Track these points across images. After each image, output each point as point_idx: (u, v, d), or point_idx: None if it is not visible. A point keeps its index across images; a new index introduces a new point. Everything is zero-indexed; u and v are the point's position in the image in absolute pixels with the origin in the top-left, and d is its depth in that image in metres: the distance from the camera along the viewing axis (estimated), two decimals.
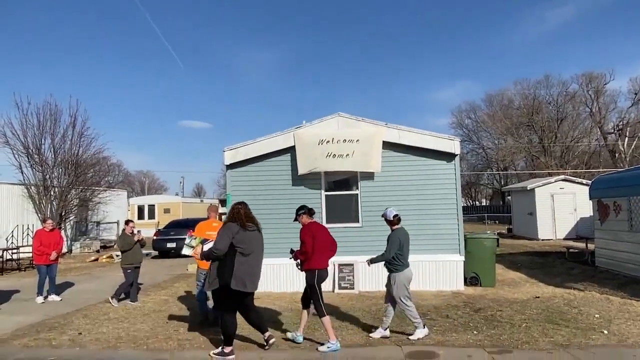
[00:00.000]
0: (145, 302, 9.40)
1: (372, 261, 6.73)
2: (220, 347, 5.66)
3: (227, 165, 10.54)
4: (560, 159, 42.86)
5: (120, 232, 9.69)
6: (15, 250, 16.07)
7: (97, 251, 22.73)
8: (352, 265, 10.11)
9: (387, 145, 10.15)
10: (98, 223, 25.24)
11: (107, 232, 25.80)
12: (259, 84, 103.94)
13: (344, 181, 10.55)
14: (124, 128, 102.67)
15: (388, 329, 6.63)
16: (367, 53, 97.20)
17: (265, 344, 5.83)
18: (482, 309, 8.19)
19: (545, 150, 43.58)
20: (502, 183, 52.00)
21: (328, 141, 10.14)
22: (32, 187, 20.04)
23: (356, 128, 10.24)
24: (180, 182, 67.62)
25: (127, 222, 9.88)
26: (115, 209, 26.13)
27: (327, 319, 6.14)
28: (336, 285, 10.05)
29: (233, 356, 5.60)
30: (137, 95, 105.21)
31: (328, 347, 5.95)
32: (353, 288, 10.02)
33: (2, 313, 8.65)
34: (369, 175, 10.29)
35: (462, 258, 10.02)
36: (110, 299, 9.22)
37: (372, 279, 10.14)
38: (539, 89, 46.29)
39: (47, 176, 20.27)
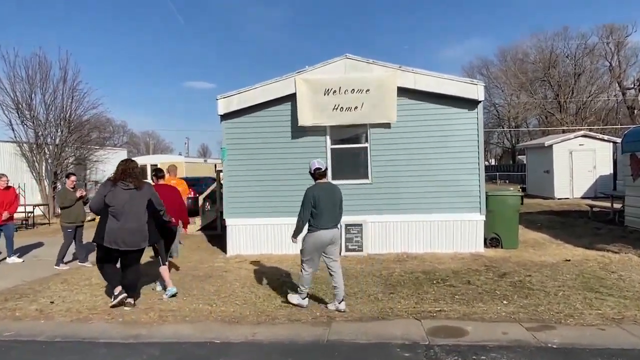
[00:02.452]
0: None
1: (294, 234, 5.71)
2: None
3: (221, 116, 9.44)
4: (575, 116, 41.16)
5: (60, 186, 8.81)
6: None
7: None
8: (360, 225, 9.17)
9: (401, 92, 8.96)
10: (96, 182, 24.41)
11: None
12: (263, 43, 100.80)
13: (353, 132, 9.44)
14: (130, 89, 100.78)
15: (341, 302, 5.63)
16: (373, 9, 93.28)
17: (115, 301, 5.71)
18: (507, 274, 7.26)
19: (560, 106, 41.80)
20: (514, 142, 50.45)
21: (335, 90, 8.96)
22: (25, 145, 19.10)
23: (366, 72, 9.02)
24: (185, 143, 66.82)
25: (68, 176, 8.92)
26: (114, 168, 25.25)
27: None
28: (343, 247, 9.14)
29: (123, 295, 5.71)
30: (142, 57, 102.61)
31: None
32: (361, 250, 9.12)
33: None
34: (380, 127, 9.16)
35: (483, 217, 9.03)
36: (55, 267, 8.46)
37: (382, 240, 9.22)
38: (557, 42, 44.04)
39: (40, 133, 19.27)
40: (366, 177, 9.29)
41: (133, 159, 6.16)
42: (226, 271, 7.97)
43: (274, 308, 5.73)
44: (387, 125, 9.12)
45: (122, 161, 5.88)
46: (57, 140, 19.60)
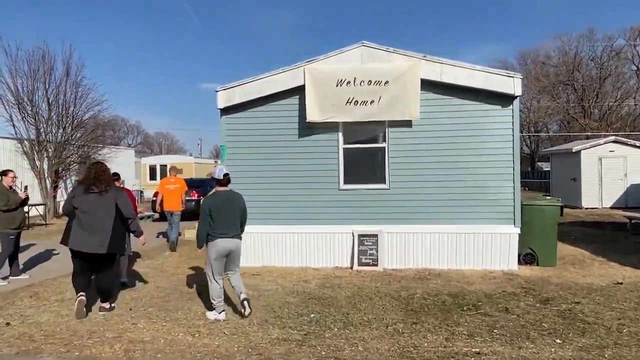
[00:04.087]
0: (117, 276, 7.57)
1: (197, 245, 5.47)
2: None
3: (220, 110, 8.42)
4: (600, 122, 39.41)
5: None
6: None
7: None
8: (375, 236, 8.05)
9: (425, 85, 7.84)
10: None
11: None
12: (277, 46, 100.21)
13: (368, 131, 8.34)
14: (144, 90, 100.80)
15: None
16: (388, 13, 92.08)
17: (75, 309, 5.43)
18: (551, 300, 6.09)
19: (584, 111, 40.09)
20: (533, 148, 48.74)
21: (349, 82, 7.88)
22: (26, 142, 18.35)
23: (386, 62, 7.92)
24: (198, 144, 66.35)
25: (5, 173, 7.51)
26: (120, 168, 24.49)
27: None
28: (355, 261, 8.04)
29: (80, 299, 5.44)
30: (157, 58, 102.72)
31: None
32: (376, 264, 7.99)
33: None
34: (400, 124, 8.05)
35: (518, 230, 7.84)
36: None
37: (400, 253, 8.10)
38: (582, 44, 42.35)
39: (42, 130, 18.50)
40: (383, 181, 8.17)
41: (101, 161, 6.31)
42: None
43: (269, 342, 4.65)
44: (408, 123, 8.01)
45: (90, 165, 5.92)
46: (59, 138, 18.82)
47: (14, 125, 18.17)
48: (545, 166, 39.05)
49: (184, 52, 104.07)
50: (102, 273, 5.63)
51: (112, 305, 5.81)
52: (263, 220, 8.33)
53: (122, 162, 24.00)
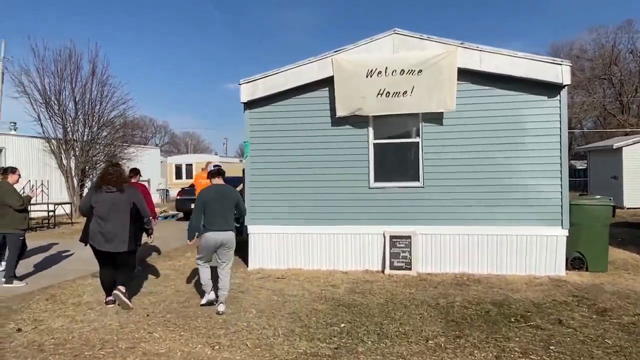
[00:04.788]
0: (139, 278, 7.25)
1: (188, 236, 5.67)
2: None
3: (244, 104, 8.01)
4: (639, 117, 37.52)
5: (0, 182, 7.02)
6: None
7: None
8: (408, 238, 7.50)
9: (462, 75, 7.25)
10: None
11: None
12: (300, 45, 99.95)
13: (401, 124, 7.78)
14: (172, 91, 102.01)
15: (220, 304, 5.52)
16: (407, 10, 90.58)
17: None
18: (609, 311, 5.44)
19: (623, 106, 38.25)
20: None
21: (380, 72, 7.35)
22: (53, 141, 18.44)
23: (419, 50, 7.36)
24: (224, 144, 66.82)
25: (13, 170, 7.11)
26: (146, 167, 24.53)
27: None
28: (387, 264, 7.51)
29: (109, 300, 5.70)
30: (183, 60, 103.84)
31: None
32: (410, 268, 7.44)
33: None
34: (436, 117, 7.48)
35: (565, 232, 7.16)
36: (4, 284, 6.79)
37: (435, 256, 7.52)
38: (620, 36, 40.38)
39: (68, 129, 18.57)
40: (416, 179, 7.61)
41: (117, 162, 6.54)
42: (243, 291, 6.50)
43: (295, 357, 4.18)
44: (443, 116, 7.42)
45: (105, 166, 6.02)
46: (86, 137, 18.85)
47: (41, 125, 18.26)
48: (579, 164, 37.40)
49: (210, 53, 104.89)
50: (121, 266, 5.81)
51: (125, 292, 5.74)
52: (288, 220, 7.89)
53: (147, 161, 24.04)
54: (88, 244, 5.65)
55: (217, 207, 5.44)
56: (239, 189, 14.44)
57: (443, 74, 7.21)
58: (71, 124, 18.65)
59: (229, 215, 5.54)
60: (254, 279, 7.24)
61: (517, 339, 4.57)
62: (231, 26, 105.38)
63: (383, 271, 7.56)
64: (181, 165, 35.42)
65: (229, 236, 5.53)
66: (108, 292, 5.80)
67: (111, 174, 5.65)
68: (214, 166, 5.76)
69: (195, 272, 7.73)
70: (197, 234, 5.59)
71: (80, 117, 18.83)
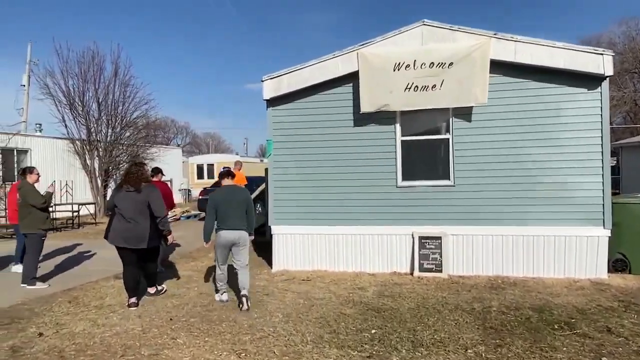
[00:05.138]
0: (159, 280, 7.11)
1: (204, 238, 5.80)
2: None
3: (267, 101, 7.79)
4: None
5: (21, 182, 7.03)
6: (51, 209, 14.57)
7: None
8: (438, 238, 7.17)
9: (495, 67, 6.89)
10: None
11: None
12: (322, 46, 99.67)
13: (430, 120, 7.46)
14: (193, 92, 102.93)
15: (225, 294, 5.95)
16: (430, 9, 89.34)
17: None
18: None
19: None
20: None
21: (408, 65, 7.05)
22: (77, 142, 18.62)
23: (449, 42, 7.02)
24: (244, 144, 67.22)
25: (31, 170, 7.05)
26: (168, 167, 24.65)
27: None
28: (416, 266, 7.20)
29: (132, 302, 5.73)
30: (204, 61, 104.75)
31: None
32: (440, 270, 7.12)
33: None
34: (467, 112, 7.13)
35: (607, 232, 6.74)
36: (27, 286, 6.69)
37: (467, 258, 7.18)
38: None
39: (92, 129, 18.72)
40: (447, 177, 7.28)
41: (141, 162, 6.59)
42: (267, 294, 6.28)
43: None
44: (475, 111, 7.07)
45: (128, 165, 6.17)
46: (109, 137, 18.98)
47: (66, 126, 18.45)
48: (609, 161, 36.13)
49: (231, 54, 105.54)
50: (145, 263, 6.00)
51: (159, 288, 6.26)
52: (313, 220, 7.65)
53: (169, 161, 24.12)
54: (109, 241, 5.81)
55: (228, 208, 5.63)
56: (260, 188, 14.43)
57: (475, 67, 6.86)
58: (95, 125, 18.80)
59: (241, 215, 5.69)
60: (279, 281, 7.02)
61: (565, 348, 4.23)
62: (253, 26, 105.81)
63: (412, 273, 7.26)
64: (203, 165, 35.63)
65: (242, 234, 5.69)
66: (131, 292, 5.78)
67: (133, 173, 5.78)
68: (223, 168, 6.04)
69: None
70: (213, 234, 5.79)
71: (103, 117, 18.97)
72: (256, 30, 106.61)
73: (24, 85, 25.18)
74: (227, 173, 6.05)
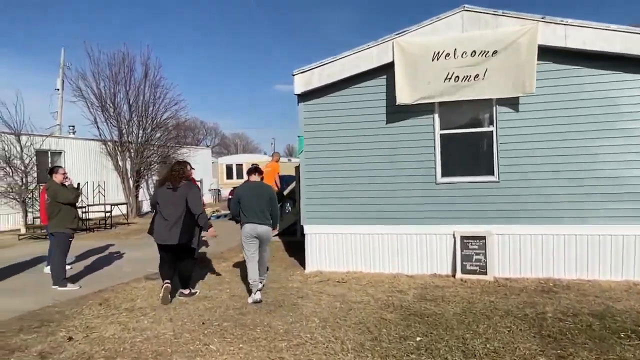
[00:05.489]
0: (192, 280, 6.93)
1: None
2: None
3: (298, 96, 7.50)
4: None
5: (48, 182, 6.93)
6: (84, 209, 14.77)
7: None
8: (482, 238, 6.73)
9: (543, 54, 6.39)
10: None
11: None
12: (344, 43, 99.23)
13: (471, 112, 7.03)
14: (222, 94, 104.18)
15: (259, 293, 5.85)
16: None
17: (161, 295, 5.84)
18: None
19: None
20: None
21: (448, 54, 6.63)
22: (109, 143, 18.86)
23: (492, 28, 6.57)
24: (272, 144, 67.61)
25: (57, 170, 6.93)
26: (198, 167, 24.79)
27: None
28: (458, 267, 6.78)
29: (165, 286, 5.84)
30: (232, 63, 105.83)
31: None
32: (484, 272, 6.67)
33: (6, 294, 6.63)
34: (512, 103, 6.66)
35: None
36: (59, 287, 6.61)
37: (513, 259, 6.71)
38: None
39: (124, 131, 18.92)
40: (491, 172, 6.82)
41: (183, 160, 6.54)
42: (302, 297, 5.98)
43: None
44: (522, 101, 6.60)
45: (171, 164, 6.41)
46: (140, 138, 19.14)
47: (98, 127, 18.73)
48: None
49: (258, 55, 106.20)
50: (182, 262, 6.03)
51: (193, 291, 6.19)
52: (347, 219, 7.32)
53: (199, 161, 24.24)
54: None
55: (252, 203, 5.83)
56: (291, 187, 14.19)
57: (521, 54, 6.39)
58: (126, 126, 19.00)
59: (264, 210, 5.88)
60: (313, 283, 6.72)
61: None
62: (277, 26, 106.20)
63: (453, 275, 6.84)
64: (232, 165, 35.77)
65: (265, 229, 5.90)
66: (166, 279, 5.94)
67: (175, 171, 5.95)
68: (252, 165, 6.29)
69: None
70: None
71: (134, 119, 19.17)
72: (282, 30, 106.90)
73: (58, 89, 25.76)
74: (254, 170, 6.19)
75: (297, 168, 12.61)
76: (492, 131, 6.81)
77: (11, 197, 13.87)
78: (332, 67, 7.19)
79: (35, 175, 14.18)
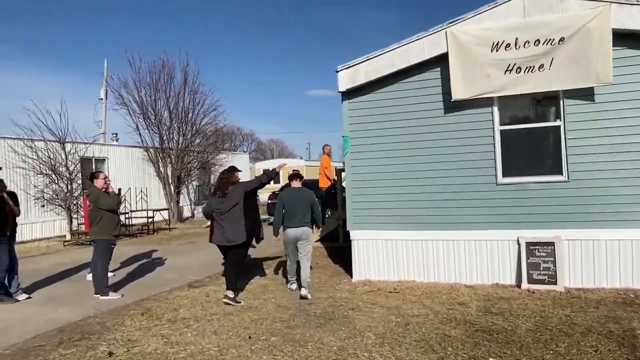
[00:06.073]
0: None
1: (273, 232, 6.67)
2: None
3: (342, 93, 7.09)
4: None
5: (90, 189, 6.84)
6: (127, 215, 14.87)
7: None
8: (551, 244, 6.08)
9: (617, 39, 5.73)
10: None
11: None
12: (379, 44, 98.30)
13: (534, 106, 6.42)
14: (258, 100, 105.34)
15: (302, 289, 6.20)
16: None
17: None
18: None
19: None
20: None
21: (508, 44, 6.05)
22: (151, 150, 19.05)
23: (558, 13, 5.96)
24: (307, 148, 67.71)
25: (97, 175, 6.76)
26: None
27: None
28: (524, 277, 6.15)
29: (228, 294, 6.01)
30: (266, 70, 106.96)
31: None
32: (554, 282, 6.02)
33: (49, 302, 6.50)
34: (582, 94, 6.01)
35: None
36: (101, 296, 6.44)
37: (587, 268, 6.04)
38: None
39: (164, 137, 19.08)
40: (558, 172, 6.18)
41: (232, 166, 6.87)
42: (353, 309, 5.54)
43: None
44: (592, 92, 5.94)
45: (219, 174, 6.66)
46: (180, 145, 19.25)
47: (140, 134, 18.95)
48: None
49: (291, 62, 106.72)
50: (230, 262, 6.26)
51: (238, 300, 6.01)
52: (398, 224, 6.83)
53: (237, 166, 24.16)
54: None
55: (294, 208, 6.23)
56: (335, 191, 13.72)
57: (592, 40, 5.74)
58: (166, 133, 19.15)
59: (305, 214, 6.27)
60: (363, 293, 6.27)
61: None
62: (310, 33, 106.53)
63: (518, 285, 6.21)
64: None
65: (305, 230, 6.28)
66: (229, 288, 6.15)
67: (224, 179, 6.28)
68: (293, 170, 6.71)
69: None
70: (280, 230, 6.50)
71: (174, 125, 19.29)
72: (315, 35, 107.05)
73: (102, 99, 26.37)
74: (296, 175, 6.57)
75: (338, 171, 12.19)
76: (559, 126, 6.16)
77: (57, 203, 14.10)
78: (379, 61, 6.73)
79: (79, 182, 14.36)
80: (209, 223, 15.06)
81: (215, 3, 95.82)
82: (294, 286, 6.57)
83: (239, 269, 6.26)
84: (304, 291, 6.10)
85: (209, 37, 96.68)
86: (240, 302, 5.95)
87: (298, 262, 6.46)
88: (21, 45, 69.97)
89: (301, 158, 55.49)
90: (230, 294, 5.97)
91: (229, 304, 5.83)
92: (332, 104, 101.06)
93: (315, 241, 11.27)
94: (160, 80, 19.13)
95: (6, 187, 6.72)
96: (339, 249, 9.85)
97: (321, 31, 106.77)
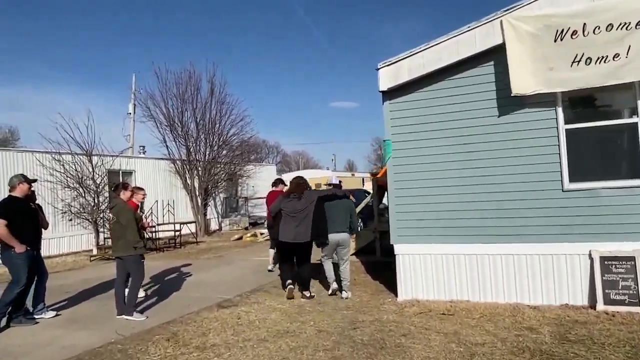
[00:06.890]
0: (266, 311, 6.01)
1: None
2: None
3: (383, 93, 6.45)
4: None
5: (114, 200, 6.71)
6: (154, 228, 14.52)
7: (246, 228, 21.19)
8: (632, 259, 5.26)
9: None
10: (246, 199, 23.72)
11: (259, 208, 24.18)
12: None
13: (604, 101, 5.65)
14: (283, 113, 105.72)
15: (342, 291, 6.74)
16: None
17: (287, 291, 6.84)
18: None
19: None
20: None
21: (575, 31, 5.32)
22: (178, 162, 18.79)
23: None
24: (332, 160, 67.29)
25: (125, 186, 6.52)
26: (264, 183, 24.38)
27: None
28: (599, 297, 5.33)
29: (291, 286, 6.85)
30: (292, 83, 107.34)
31: None
32: (637, 303, 5.18)
33: (70, 325, 6.01)
34: None
35: None
36: (125, 316, 6.00)
37: None
38: None
39: (191, 149, 18.80)
40: (636, 175, 5.37)
41: (300, 175, 7.43)
42: (405, 335, 4.83)
43: None
44: None
45: (292, 179, 7.14)
46: (207, 156, 18.93)
47: (167, 146, 18.71)
48: None
49: (315, 75, 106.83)
50: (302, 264, 6.99)
51: (312, 294, 6.79)
52: (448, 237, 6.11)
53: (265, 177, 23.81)
54: (276, 243, 7.42)
55: (334, 215, 6.85)
56: (364, 202, 13.06)
57: None
58: (193, 144, 18.88)
59: (344, 221, 6.87)
60: (412, 315, 5.55)
61: None
62: (334, 44, 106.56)
63: (592, 307, 5.39)
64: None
65: (344, 237, 6.86)
66: (288, 279, 6.99)
67: (302, 182, 6.93)
68: (337, 180, 7.82)
69: (334, 304, 6.29)
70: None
71: (201, 137, 19.01)
72: (338, 47, 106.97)
73: (130, 113, 26.47)
74: (336, 186, 7.60)
75: (375, 181, 11.51)
76: (635, 123, 5.37)
77: (83, 217, 13.87)
78: (425, 55, 6.08)
79: (106, 195, 14.11)
80: (237, 236, 14.75)
81: (240, 19, 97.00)
82: (335, 285, 6.89)
83: (310, 265, 7.04)
84: (344, 293, 6.66)
85: (234, 55, 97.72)
86: (314, 295, 6.82)
87: (335, 264, 7.02)
88: (52, 65, 72.14)
89: (327, 169, 55.06)
90: (308, 293, 6.75)
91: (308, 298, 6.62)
92: (354, 114, 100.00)
93: (350, 254, 10.60)
94: (187, 91, 18.93)
95: (36, 198, 6.39)
96: (377, 264, 9.18)
97: (342, 41, 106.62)
